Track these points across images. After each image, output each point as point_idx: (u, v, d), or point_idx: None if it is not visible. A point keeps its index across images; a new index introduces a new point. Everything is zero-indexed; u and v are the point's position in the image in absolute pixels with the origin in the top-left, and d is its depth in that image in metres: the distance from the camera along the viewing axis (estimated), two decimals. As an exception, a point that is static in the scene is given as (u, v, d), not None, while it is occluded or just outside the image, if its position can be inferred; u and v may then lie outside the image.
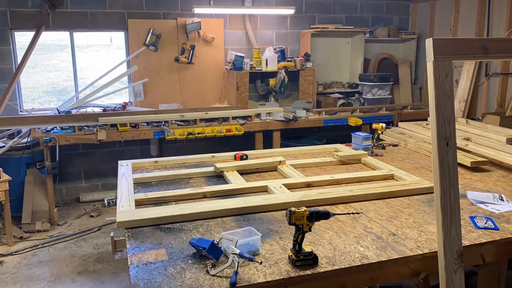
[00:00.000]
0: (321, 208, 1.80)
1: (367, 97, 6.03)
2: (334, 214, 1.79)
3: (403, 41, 6.52)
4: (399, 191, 2.49)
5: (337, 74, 6.37)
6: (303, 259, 1.70)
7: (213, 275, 1.63)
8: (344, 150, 3.44)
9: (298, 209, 1.71)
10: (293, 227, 1.73)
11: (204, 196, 2.47)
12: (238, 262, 1.65)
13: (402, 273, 1.84)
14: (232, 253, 1.68)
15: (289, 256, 1.75)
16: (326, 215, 1.76)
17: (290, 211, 1.71)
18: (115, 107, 5.32)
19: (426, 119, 4.33)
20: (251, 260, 1.68)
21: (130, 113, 5.01)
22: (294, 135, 5.68)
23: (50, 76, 5.98)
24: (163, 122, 4.88)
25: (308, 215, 1.71)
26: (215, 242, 1.74)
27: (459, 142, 3.35)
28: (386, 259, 1.77)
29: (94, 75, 5.56)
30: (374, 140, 3.56)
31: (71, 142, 4.58)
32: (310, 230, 1.74)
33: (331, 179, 2.70)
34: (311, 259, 1.71)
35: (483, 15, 5.38)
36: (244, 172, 2.90)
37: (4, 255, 3.98)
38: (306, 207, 1.76)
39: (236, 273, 1.61)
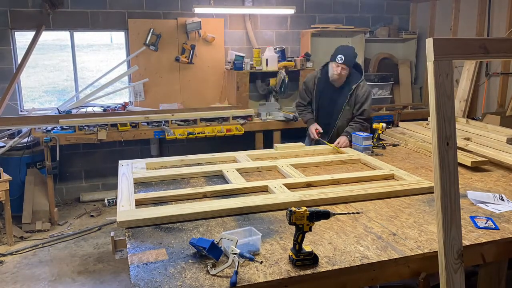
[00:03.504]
0: (321, 208, 1.79)
1: (368, 97, 6.02)
2: (334, 214, 1.79)
3: (403, 41, 6.51)
4: (399, 191, 2.49)
5: (337, 74, 6.36)
6: (304, 259, 1.70)
7: (213, 275, 1.63)
8: (344, 150, 3.44)
9: (299, 209, 1.71)
10: (293, 227, 1.73)
11: (204, 196, 2.47)
12: (238, 262, 1.65)
13: (402, 273, 1.84)
14: (232, 253, 1.68)
15: (289, 256, 1.75)
16: (326, 215, 1.76)
17: (290, 210, 1.71)
18: (116, 107, 5.33)
19: (427, 119, 4.33)
20: (251, 260, 1.68)
21: (131, 113, 5.01)
22: (294, 135, 5.66)
23: (51, 76, 5.99)
24: (164, 122, 4.88)
25: (309, 215, 1.71)
26: (215, 242, 1.74)
27: (460, 142, 3.35)
28: (387, 259, 1.77)
29: (95, 75, 5.57)
30: (375, 140, 3.56)
31: (71, 142, 4.58)
32: (310, 230, 1.74)
33: (331, 179, 2.70)
34: (311, 259, 1.71)
35: (483, 14, 5.38)
36: (244, 172, 2.91)
37: (4, 255, 3.99)
38: (307, 207, 1.76)
39: (236, 273, 1.61)
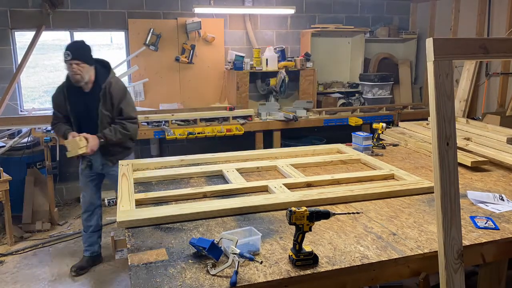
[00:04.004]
0: (321, 208, 1.79)
1: (368, 97, 6.03)
2: (334, 214, 1.78)
3: (403, 41, 6.52)
4: (399, 191, 2.49)
5: (337, 74, 6.38)
6: (304, 259, 1.70)
7: (213, 275, 1.63)
8: (344, 150, 3.44)
9: (299, 209, 1.71)
10: (293, 227, 1.73)
11: (204, 196, 2.47)
12: (238, 261, 1.65)
13: (402, 273, 1.84)
14: (232, 253, 1.68)
15: (289, 256, 1.75)
16: (326, 215, 1.76)
17: (290, 210, 1.71)
18: (116, 107, 5.32)
19: (427, 119, 4.33)
20: (251, 260, 1.68)
21: (131, 113, 5.00)
22: (294, 135, 5.67)
23: (51, 76, 5.99)
24: (164, 122, 4.88)
25: (309, 215, 1.71)
26: (215, 242, 1.74)
27: (460, 142, 3.35)
28: (387, 259, 1.77)
29: (95, 75, 5.56)
30: (375, 140, 3.56)
31: (71, 142, 4.58)
32: (310, 230, 1.74)
33: (331, 179, 2.70)
34: (312, 259, 1.71)
35: (483, 14, 5.38)
36: (244, 172, 2.91)
37: (4, 255, 3.99)
38: (306, 206, 1.76)
39: (236, 272, 1.61)
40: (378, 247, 1.86)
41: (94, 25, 5.30)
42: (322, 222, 2.10)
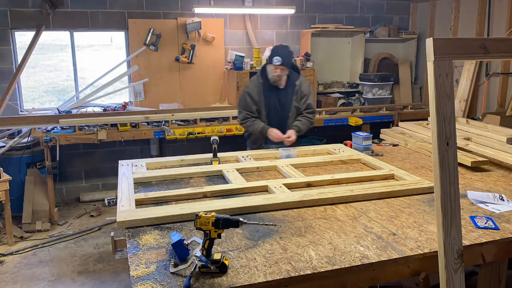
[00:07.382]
0: (231, 216, 1.72)
1: (368, 97, 6.03)
2: (244, 223, 1.72)
3: (403, 41, 6.52)
4: (399, 191, 2.49)
5: (337, 74, 6.37)
6: (209, 266, 1.62)
7: (171, 273, 1.64)
8: (344, 150, 3.44)
9: (206, 214, 1.67)
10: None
11: (204, 196, 2.47)
12: (196, 265, 1.63)
13: (402, 273, 1.84)
14: (194, 255, 1.66)
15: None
16: (234, 223, 1.69)
17: (196, 215, 1.68)
18: (116, 107, 5.33)
19: (427, 119, 4.33)
20: (206, 264, 1.62)
21: (131, 113, 5.01)
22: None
23: (51, 76, 5.98)
24: (164, 122, 4.88)
25: (214, 221, 1.66)
26: (184, 241, 1.72)
27: (460, 142, 3.35)
28: (387, 258, 1.77)
29: (95, 75, 5.56)
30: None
31: (71, 142, 4.58)
32: (219, 237, 1.68)
33: (331, 179, 2.70)
34: (218, 267, 1.63)
35: (483, 14, 5.38)
36: (244, 172, 2.91)
37: (4, 255, 3.99)
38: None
39: (190, 277, 1.57)
40: (378, 247, 1.86)
41: (94, 25, 5.30)
42: (322, 222, 2.10)
